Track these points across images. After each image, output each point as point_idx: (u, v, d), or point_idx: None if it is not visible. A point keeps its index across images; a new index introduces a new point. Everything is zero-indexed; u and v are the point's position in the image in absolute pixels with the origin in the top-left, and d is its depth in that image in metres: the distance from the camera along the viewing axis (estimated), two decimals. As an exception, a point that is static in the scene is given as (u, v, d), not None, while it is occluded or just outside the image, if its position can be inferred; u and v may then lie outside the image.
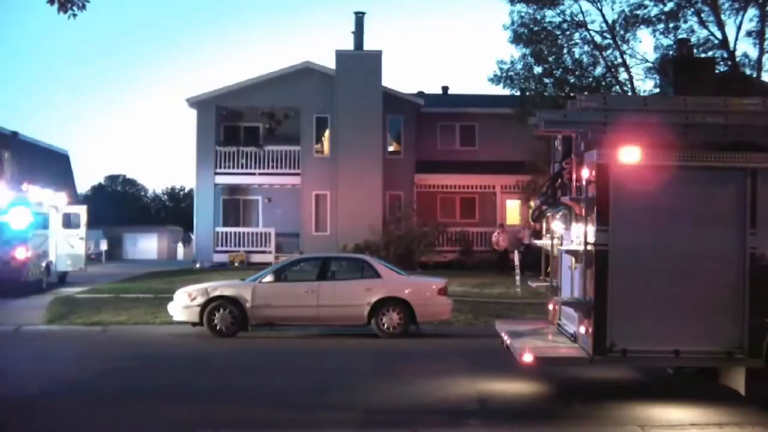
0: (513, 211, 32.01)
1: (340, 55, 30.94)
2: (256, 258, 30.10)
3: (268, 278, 14.42)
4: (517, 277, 20.46)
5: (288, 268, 15.21)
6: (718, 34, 25.30)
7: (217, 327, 13.91)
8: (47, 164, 35.56)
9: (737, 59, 25.36)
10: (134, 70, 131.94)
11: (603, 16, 26.97)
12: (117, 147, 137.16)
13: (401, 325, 14.01)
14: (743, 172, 8.21)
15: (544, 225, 10.60)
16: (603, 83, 26.95)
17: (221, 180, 31.75)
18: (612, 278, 8.13)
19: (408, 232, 28.87)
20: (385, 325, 14.00)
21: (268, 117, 32.99)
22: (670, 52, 25.80)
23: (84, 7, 9.63)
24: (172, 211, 79.10)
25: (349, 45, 31.96)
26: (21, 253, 20.59)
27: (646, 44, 48.02)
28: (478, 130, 33.20)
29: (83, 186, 73.23)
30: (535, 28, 27.36)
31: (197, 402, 8.96)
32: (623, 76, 27.16)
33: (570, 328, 9.16)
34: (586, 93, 22.69)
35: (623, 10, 26.56)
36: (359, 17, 31.80)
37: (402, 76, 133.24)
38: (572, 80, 27.07)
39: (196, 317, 14.01)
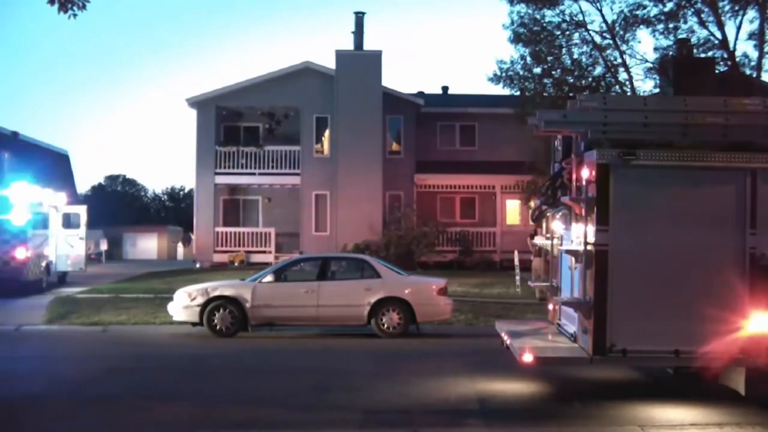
0: (513, 211, 32.03)
1: (340, 55, 30.95)
2: (256, 258, 30.12)
3: (268, 278, 14.42)
4: (517, 277, 20.46)
5: (288, 268, 15.21)
6: (718, 35, 25.28)
7: (217, 327, 13.91)
8: (47, 164, 35.53)
9: (737, 59, 25.33)
10: (134, 70, 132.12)
11: (602, 16, 26.96)
12: (117, 147, 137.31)
13: (401, 325, 14.01)
14: (743, 172, 8.21)
15: (544, 225, 10.59)
16: (603, 83, 26.93)
17: (221, 180, 31.75)
18: (612, 278, 8.13)
19: (408, 232, 28.88)
20: (385, 325, 14.00)
21: (268, 117, 33.02)
22: (670, 53, 25.78)
23: (84, 7, 9.65)
24: (172, 211, 79.16)
25: (349, 45, 32.01)
26: (21, 253, 20.60)
27: (645, 44, 47.88)
28: (478, 130, 33.21)
29: (83, 186, 73.36)
30: (535, 28, 27.33)
31: (197, 402, 8.96)
32: (623, 76, 27.15)
33: (570, 328, 9.16)
34: (585, 93, 22.69)
35: (623, 11, 26.56)
36: (359, 17, 31.81)
37: (402, 76, 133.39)
38: (571, 80, 27.05)
39: (196, 317, 14.01)
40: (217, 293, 14.13)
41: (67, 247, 24.04)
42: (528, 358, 8.34)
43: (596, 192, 8.22)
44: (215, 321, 13.93)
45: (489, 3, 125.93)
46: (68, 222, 24.32)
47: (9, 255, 20.48)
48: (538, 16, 27.33)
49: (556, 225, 9.97)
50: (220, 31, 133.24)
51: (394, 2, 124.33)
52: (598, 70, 27.65)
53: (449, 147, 33.15)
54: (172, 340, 13.94)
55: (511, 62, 27.85)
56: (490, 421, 8.17)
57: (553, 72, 27.55)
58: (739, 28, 25.15)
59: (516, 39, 27.47)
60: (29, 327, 15.56)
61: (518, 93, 28.09)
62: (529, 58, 27.55)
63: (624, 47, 26.91)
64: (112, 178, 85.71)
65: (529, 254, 11.22)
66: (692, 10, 25.74)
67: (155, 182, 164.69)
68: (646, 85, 36.61)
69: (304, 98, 31.33)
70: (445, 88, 38.88)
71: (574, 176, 8.99)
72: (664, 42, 26.66)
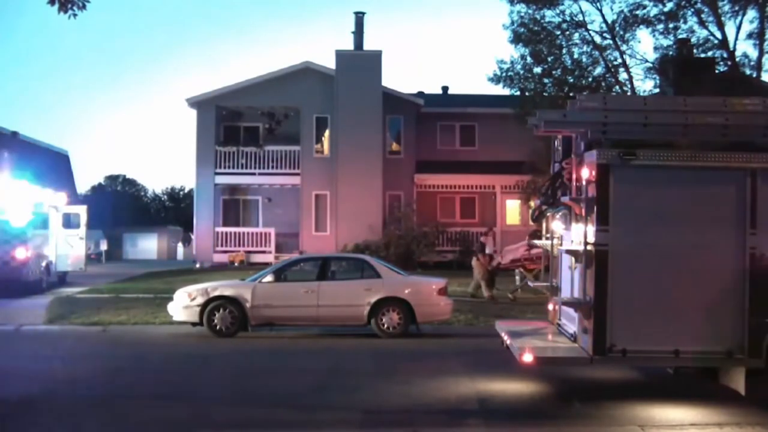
0: (513, 211, 32.04)
1: (340, 55, 30.95)
2: (256, 258, 30.14)
3: (268, 278, 14.42)
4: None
5: (288, 268, 15.21)
6: (718, 35, 25.32)
7: (217, 327, 13.91)
8: (47, 164, 35.51)
9: (737, 59, 25.35)
10: (134, 71, 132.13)
11: (602, 16, 27.01)
12: (117, 147, 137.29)
13: (401, 325, 14.01)
14: (743, 172, 8.21)
15: (544, 225, 10.59)
16: (603, 83, 26.94)
17: (221, 180, 31.76)
18: (612, 278, 8.13)
19: (408, 232, 28.87)
20: (385, 325, 14.00)
21: (268, 117, 33.02)
22: (670, 53, 25.79)
23: (84, 7, 9.65)
24: (172, 211, 79.15)
25: (349, 45, 32.02)
26: (21, 253, 20.60)
27: (645, 44, 47.93)
28: (478, 130, 33.22)
29: (83, 186, 73.29)
30: (535, 28, 27.37)
31: (197, 402, 8.96)
32: (623, 76, 27.18)
33: (570, 328, 9.16)
34: (585, 93, 22.69)
35: (623, 11, 26.58)
36: (359, 17, 31.82)
37: (402, 76, 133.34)
38: (572, 80, 27.06)
39: (196, 317, 14.01)
40: (217, 293, 14.12)
41: (67, 247, 24.03)
42: (528, 358, 8.34)
43: (596, 192, 8.23)
44: (215, 321, 13.93)
45: (489, 3, 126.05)
46: (68, 222, 24.32)
47: (9, 255, 20.48)
48: (538, 16, 27.38)
49: (556, 225, 9.98)
50: (221, 31, 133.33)
51: (394, 2, 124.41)
52: (598, 70, 27.70)
53: (449, 147, 33.15)
54: (172, 340, 13.93)
55: (511, 62, 27.90)
56: (490, 421, 8.17)
57: (553, 72, 27.58)
58: (739, 28, 25.20)
59: (516, 39, 27.49)
60: (29, 327, 15.55)
61: (518, 93, 28.11)
62: (529, 58, 27.58)
63: (624, 47, 26.98)
64: (112, 178, 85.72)
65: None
66: (692, 10, 25.77)
67: (155, 182, 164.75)
68: (646, 85, 36.62)
69: (304, 98, 31.33)
70: (445, 88, 38.89)
71: (574, 176, 8.99)
72: (664, 42, 26.72)
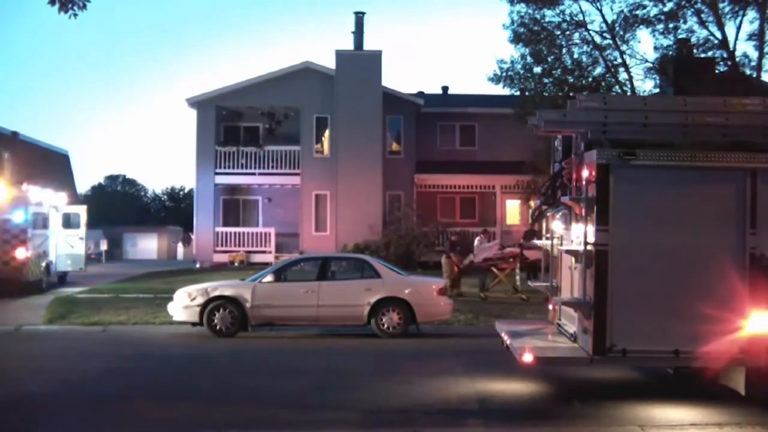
0: (513, 211, 32.05)
1: (340, 55, 30.96)
2: (256, 258, 30.15)
3: (268, 278, 14.42)
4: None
5: (288, 268, 15.21)
6: (718, 35, 25.25)
7: (217, 327, 13.91)
8: (47, 164, 35.53)
9: (737, 59, 25.31)
10: (134, 71, 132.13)
11: (602, 16, 26.95)
12: (117, 147, 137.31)
13: (401, 325, 14.01)
14: (743, 172, 8.20)
15: (544, 225, 10.59)
16: (603, 83, 26.92)
17: (221, 180, 31.77)
18: (612, 278, 8.12)
19: (408, 232, 28.87)
20: (385, 325, 14.00)
21: (268, 117, 33.03)
22: (670, 53, 25.76)
23: (84, 6, 9.68)
24: (172, 211, 79.16)
25: (349, 45, 32.03)
26: (21, 253, 20.60)
27: (645, 44, 47.83)
28: (478, 130, 33.24)
29: (83, 186, 73.28)
30: (535, 28, 27.33)
31: (197, 402, 8.96)
32: (623, 76, 27.13)
33: (570, 328, 9.16)
34: (585, 93, 22.67)
35: (623, 11, 26.55)
36: (359, 17, 31.83)
37: (402, 76, 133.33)
38: (572, 80, 27.03)
39: (196, 317, 14.01)
40: (217, 293, 14.12)
41: (67, 247, 24.04)
42: (528, 358, 8.34)
43: (596, 192, 8.22)
44: (215, 321, 13.93)
45: (489, 3, 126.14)
46: (68, 222, 24.32)
47: (9, 255, 20.49)
48: (538, 16, 27.32)
49: (556, 225, 9.97)
50: (221, 31, 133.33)
51: (394, 2, 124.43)
52: (598, 70, 27.64)
53: (449, 147, 33.16)
54: (172, 340, 13.93)
55: (511, 62, 27.83)
56: (490, 421, 8.17)
57: (553, 72, 27.53)
58: (739, 28, 25.15)
59: (516, 39, 27.45)
60: (29, 327, 15.56)
61: (518, 93, 28.08)
62: (529, 58, 27.53)
63: (624, 47, 26.92)
64: (112, 178, 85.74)
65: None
66: (692, 10, 25.73)
67: (155, 182, 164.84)
68: (646, 85, 36.55)
69: (304, 98, 31.34)
70: (445, 88, 38.89)
71: (574, 176, 8.99)
72: (664, 42, 26.66)
